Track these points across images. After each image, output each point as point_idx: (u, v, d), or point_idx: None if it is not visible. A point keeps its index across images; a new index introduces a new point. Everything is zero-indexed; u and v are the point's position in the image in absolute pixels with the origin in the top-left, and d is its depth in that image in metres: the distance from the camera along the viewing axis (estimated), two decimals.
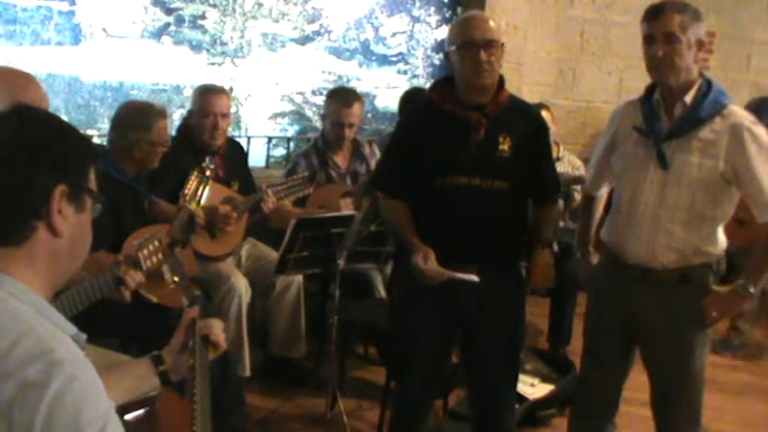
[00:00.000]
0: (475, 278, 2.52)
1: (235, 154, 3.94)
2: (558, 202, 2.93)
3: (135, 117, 3.15)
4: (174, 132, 3.69)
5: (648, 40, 2.46)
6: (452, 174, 2.60)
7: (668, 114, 2.51)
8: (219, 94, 3.73)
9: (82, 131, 4.42)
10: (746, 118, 2.46)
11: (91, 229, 1.28)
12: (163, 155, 3.19)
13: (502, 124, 2.61)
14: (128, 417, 1.67)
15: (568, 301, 4.33)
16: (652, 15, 2.45)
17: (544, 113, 4.53)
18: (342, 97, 4.02)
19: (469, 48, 2.53)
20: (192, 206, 3.18)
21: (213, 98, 3.68)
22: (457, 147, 2.59)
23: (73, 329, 1.21)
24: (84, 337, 1.22)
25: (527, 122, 2.70)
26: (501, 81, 2.65)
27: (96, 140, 4.41)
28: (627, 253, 2.58)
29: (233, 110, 4.53)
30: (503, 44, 2.59)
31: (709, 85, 2.48)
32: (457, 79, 2.63)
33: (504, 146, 2.61)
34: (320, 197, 3.91)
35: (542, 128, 2.79)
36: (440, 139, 2.62)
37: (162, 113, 3.21)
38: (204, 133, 3.66)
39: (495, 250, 2.64)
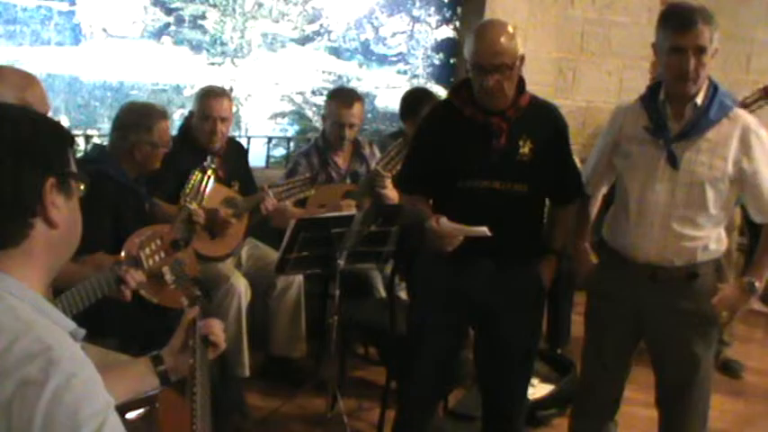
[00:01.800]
0: (486, 232, 2.50)
1: (235, 154, 3.94)
2: (577, 201, 2.87)
3: (135, 118, 3.15)
4: (174, 132, 3.68)
5: (676, 51, 2.43)
6: (473, 177, 2.60)
7: (676, 115, 2.52)
8: (220, 97, 3.72)
9: (82, 131, 4.39)
10: (753, 122, 2.52)
11: (80, 212, 1.28)
12: (164, 156, 3.19)
13: (522, 128, 2.61)
14: (128, 416, 1.67)
15: (565, 299, 4.33)
16: (682, 26, 2.41)
17: None
18: (342, 98, 4.01)
19: (478, 71, 2.53)
20: (194, 205, 3.17)
21: (213, 102, 3.68)
22: (478, 152, 2.60)
23: (71, 325, 1.21)
24: (82, 332, 1.22)
25: (547, 124, 2.70)
26: (521, 85, 2.63)
27: (96, 141, 4.41)
28: (637, 252, 2.59)
29: (233, 110, 4.53)
30: (519, 59, 2.54)
31: (715, 87, 2.51)
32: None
33: (525, 149, 2.61)
34: (321, 197, 3.90)
35: (562, 127, 2.77)
36: (461, 144, 2.62)
37: (163, 114, 3.20)
38: (203, 136, 3.67)
39: (513, 251, 2.64)
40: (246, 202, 3.65)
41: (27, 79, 2.16)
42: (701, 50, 2.40)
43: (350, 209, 3.79)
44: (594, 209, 2.90)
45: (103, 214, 2.89)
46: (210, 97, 3.71)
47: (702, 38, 2.40)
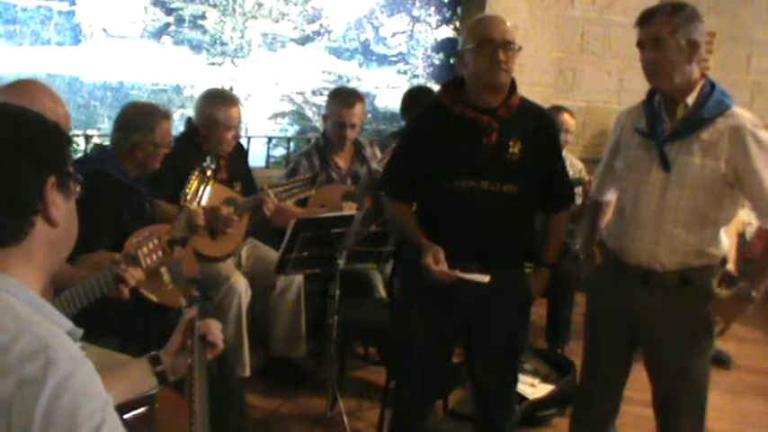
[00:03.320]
0: (486, 278, 2.50)
1: (237, 155, 3.94)
2: (569, 209, 2.86)
3: (138, 118, 3.15)
4: (175, 133, 3.67)
5: (639, 46, 2.47)
6: (462, 177, 2.58)
7: (670, 116, 2.50)
8: (236, 105, 3.69)
9: (82, 131, 4.38)
10: (749, 120, 2.45)
11: (77, 213, 1.28)
12: (165, 156, 3.20)
13: (513, 128, 2.59)
14: (127, 416, 1.67)
15: (565, 300, 4.33)
16: (641, 21, 2.46)
17: (567, 117, 4.48)
18: (344, 98, 4.01)
19: (488, 46, 2.52)
20: (193, 206, 3.18)
21: (234, 112, 3.65)
22: (468, 150, 2.57)
23: (69, 325, 1.22)
24: (80, 331, 1.23)
25: (537, 126, 2.68)
26: (513, 84, 2.63)
27: (97, 140, 4.42)
28: (629, 255, 2.57)
29: None
30: (520, 47, 2.58)
31: (712, 86, 2.47)
32: (469, 79, 2.61)
33: (515, 149, 2.58)
34: (321, 197, 3.91)
35: (553, 131, 2.76)
36: (450, 143, 2.59)
37: (165, 115, 3.21)
38: (223, 145, 3.65)
39: (502, 253, 2.62)
40: (247, 202, 3.65)
41: (56, 97, 2.30)
42: (657, 42, 2.40)
43: (350, 210, 3.79)
44: (607, 215, 2.87)
45: (104, 213, 2.90)
46: (231, 107, 3.65)
47: (657, 29, 2.40)
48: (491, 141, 2.57)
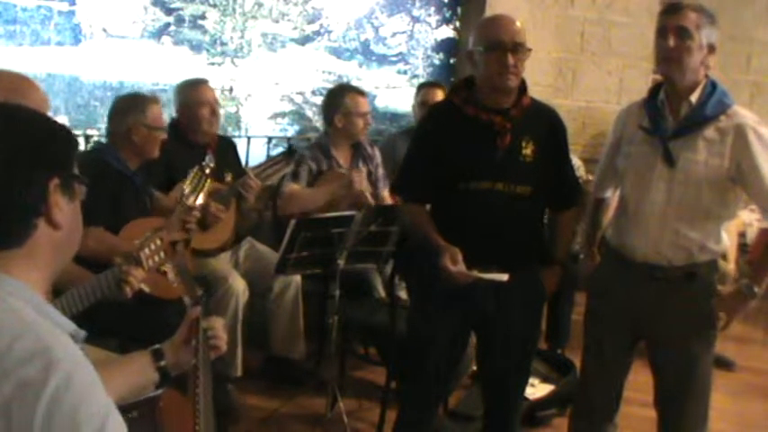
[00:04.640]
0: (504, 277, 2.50)
1: (225, 148, 3.96)
2: (576, 206, 2.87)
3: (128, 102, 3.25)
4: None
5: (661, 32, 2.48)
6: (476, 179, 2.58)
7: (673, 114, 2.53)
8: (206, 84, 3.81)
9: (82, 131, 4.40)
10: (751, 118, 2.50)
11: (80, 215, 1.29)
12: (162, 145, 3.23)
13: (524, 129, 2.60)
14: (131, 416, 1.66)
15: (566, 300, 4.33)
16: (669, 10, 2.49)
17: None
18: (355, 89, 4.07)
19: (497, 50, 2.52)
20: (190, 201, 3.18)
21: (204, 88, 3.76)
22: (481, 152, 2.58)
23: (71, 327, 1.22)
24: (83, 333, 1.23)
25: (547, 125, 2.69)
26: (523, 84, 2.63)
27: (96, 140, 4.41)
28: (635, 251, 2.59)
29: (233, 110, 4.53)
30: (529, 49, 2.57)
31: (713, 85, 2.51)
32: (480, 81, 2.61)
33: (527, 150, 2.59)
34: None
35: (562, 130, 2.77)
36: (463, 145, 2.60)
37: (154, 99, 3.30)
38: (203, 123, 3.70)
39: (516, 254, 2.63)
40: (230, 189, 3.65)
41: (25, 83, 2.02)
42: (682, 32, 2.42)
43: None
44: (609, 212, 2.88)
45: (102, 195, 2.94)
46: (200, 85, 3.78)
47: (685, 20, 2.43)
48: (504, 143, 2.57)
